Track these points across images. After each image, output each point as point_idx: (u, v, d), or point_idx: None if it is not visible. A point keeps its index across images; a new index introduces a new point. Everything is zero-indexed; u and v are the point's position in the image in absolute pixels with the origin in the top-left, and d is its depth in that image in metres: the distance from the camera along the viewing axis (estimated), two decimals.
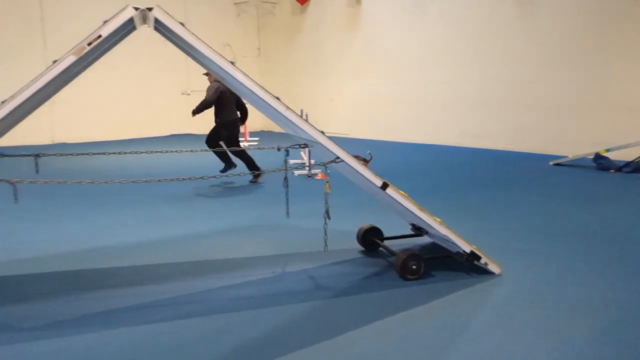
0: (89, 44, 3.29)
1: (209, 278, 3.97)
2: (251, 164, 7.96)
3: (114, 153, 4.21)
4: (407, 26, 13.00)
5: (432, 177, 8.27)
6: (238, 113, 8.12)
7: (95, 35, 3.30)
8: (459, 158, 10.28)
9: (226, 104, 7.96)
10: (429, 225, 3.86)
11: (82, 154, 4.20)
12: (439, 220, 3.86)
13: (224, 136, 8.00)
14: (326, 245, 3.96)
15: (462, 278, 3.85)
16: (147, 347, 2.90)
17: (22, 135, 11.27)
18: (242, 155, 7.91)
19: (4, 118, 3.27)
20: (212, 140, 8.06)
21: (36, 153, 4.05)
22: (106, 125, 14.52)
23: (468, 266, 3.98)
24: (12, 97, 3.23)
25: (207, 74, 7.94)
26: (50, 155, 4.15)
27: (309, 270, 4.08)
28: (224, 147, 8.04)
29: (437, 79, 12.46)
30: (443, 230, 3.84)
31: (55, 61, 3.28)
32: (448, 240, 3.93)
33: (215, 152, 8.14)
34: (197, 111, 7.93)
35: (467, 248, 3.85)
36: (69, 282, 3.93)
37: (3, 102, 3.24)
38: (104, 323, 3.21)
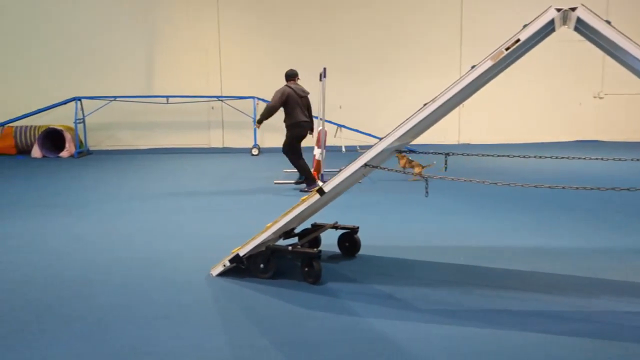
0: (507, 49, 3.34)
1: (605, 298, 3.57)
2: (307, 173, 7.76)
3: (517, 156, 4.19)
4: None
5: None
6: (304, 116, 7.81)
7: (514, 40, 3.32)
8: None
9: (293, 107, 7.71)
10: None
11: (487, 155, 4.32)
12: None
13: (293, 137, 7.77)
14: None
15: None
16: (523, 357, 2.80)
17: (432, 135, 12.44)
18: (298, 162, 7.76)
19: (424, 119, 3.63)
20: (293, 150, 7.81)
21: (446, 152, 4.36)
22: (508, 128, 14.69)
23: None
24: (433, 100, 3.55)
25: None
26: (458, 154, 4.42)
27: None
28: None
29: None
30: None
31: (473, 67, 3.45)
32: None
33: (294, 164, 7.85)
34: (260, 120, 7.89)
35: None
36: (464, 275, 4.12)
37: (425, 104, 3.59)
38: (487, 321, 3.25)
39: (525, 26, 3.30)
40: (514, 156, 4.19)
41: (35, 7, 13.65)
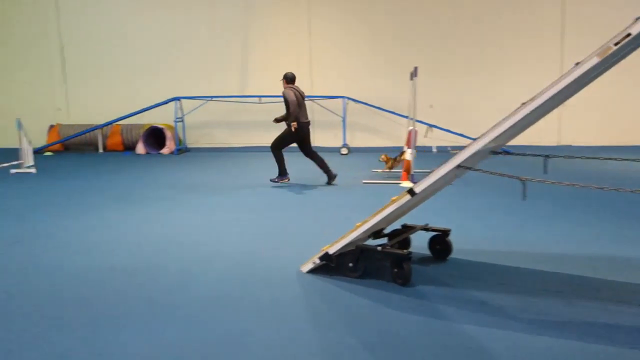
0: (616, 44, 3.12)
1: None
2: (324, 166, 8.35)
3: (626, 159, 3.91)
4: None
5: None
6: (305, 117, 8.24)
7: (624, 34, 3.10)
8: None
9: (301, 107, 8.15)
10: None
11: (592, 158, 4.06)
12: None
13: (298, 138, 8.21)
14: None
15: None
16: None
17: (529, 135, 11.85)
18: (315, 157, 8.35)
19: (522, 119, 3.47)
20: (279, 145, 8.36)
21: (545, 154, 4.15)
22: (616, 129, 13.75)
23: None
24: (532, 99, 3.39)
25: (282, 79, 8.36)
26: (559, 156, 4.19)
27: None
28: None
29: None
30: None
31: (577, 63, 3.26)
32: None
33: (316, 162, 8.41)
34: (292, 120, 8.04)
35: None
36: (564, 284, 3.91)
37: (523, 104, 3.44)
38: (595, 335, 3.05)
39: (637, 19, 3.07)
40: (622, 159, 3.92)
41: (139, 16, 14.53)
